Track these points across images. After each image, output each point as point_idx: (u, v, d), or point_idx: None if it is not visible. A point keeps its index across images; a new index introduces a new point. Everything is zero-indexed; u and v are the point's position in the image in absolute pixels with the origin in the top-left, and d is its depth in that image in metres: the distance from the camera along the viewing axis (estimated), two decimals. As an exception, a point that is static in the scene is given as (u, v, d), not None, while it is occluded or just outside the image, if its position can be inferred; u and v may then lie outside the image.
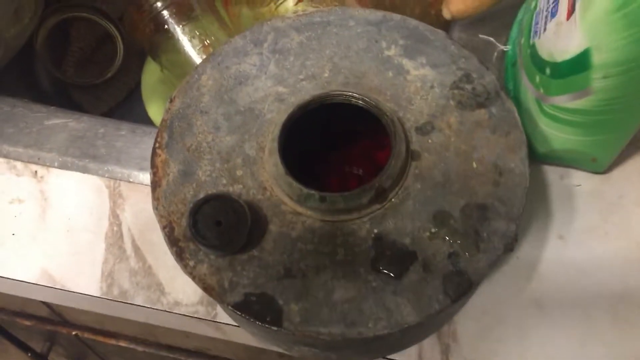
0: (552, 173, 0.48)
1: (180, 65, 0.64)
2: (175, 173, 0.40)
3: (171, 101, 0.42)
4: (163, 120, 0.41)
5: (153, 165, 0.40)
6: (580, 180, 0.47)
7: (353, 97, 0.39)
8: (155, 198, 0.39)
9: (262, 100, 0.42)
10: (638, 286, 0.44)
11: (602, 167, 0.47)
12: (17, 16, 0.58)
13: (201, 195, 0.38)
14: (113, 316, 0.65)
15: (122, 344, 0.74)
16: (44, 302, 0.68)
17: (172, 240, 0.38)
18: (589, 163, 0.46)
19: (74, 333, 0.75)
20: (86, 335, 0.74)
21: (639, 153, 0.48)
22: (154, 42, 0.65)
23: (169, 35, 0.64)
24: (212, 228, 0.36)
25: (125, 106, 0.75)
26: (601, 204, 0.47)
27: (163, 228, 0.38)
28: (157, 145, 0.41)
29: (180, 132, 0.41)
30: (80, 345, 0.81)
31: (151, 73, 0.72)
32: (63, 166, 0.51)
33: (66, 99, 0.73)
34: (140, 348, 0.74)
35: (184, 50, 0.64)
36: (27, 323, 0.75)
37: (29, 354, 0.81)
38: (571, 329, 0.43)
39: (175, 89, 0.42)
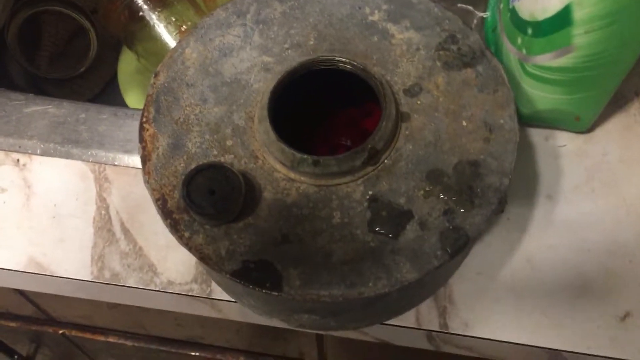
0: (537, 135, 0.48)
1: (157, 54, 0.63)
2: (164, 146, 0.39)
3: (156, 76, 0.42)
4: (148, 95, 0.41)
5: (142, 140, 0.39)
6: (565, 140, 0.48)
7: (341, 61, 0.39)
8: (146, 172, 0.38)
9: (248, 71, 0.41)
10: (626, 241, 0.45)
11: (585, 126, 0.48)
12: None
13: (192, 167, 0.37)
14: (101, 309, 0.64)
15: (111, 339, 0.72)
16: (29, 300, 0.67)
17: (166, 213, 0.37)
18: (573, 122, 0.47)
19: (60, 332, 0.73)
20: (74, 333, 0.73)
21: (620, 111, 0.49)
22: (129, 31, 0.64)
23: (145, 23, 0.63)
24: (206, 197, 0.36)
25: (101, 98, 0.74)
26: (586, 162, 0.47)
27: (156, 201, 0.38)
28: (144, 120, 0.40)
29: (167, 106, 0.40)
30: (68, 344, 0.79)
31: (128, 63, 0.71)
32: (46, 153, 0.50)
33: (40, 93, 0.71)
34: (129, 342, 0.73)
35: (160, 37, 0.63)
36: (12, 324, 0.73)
37: (15, 357, 0.79)
38: (563, 285, 0.44)
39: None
